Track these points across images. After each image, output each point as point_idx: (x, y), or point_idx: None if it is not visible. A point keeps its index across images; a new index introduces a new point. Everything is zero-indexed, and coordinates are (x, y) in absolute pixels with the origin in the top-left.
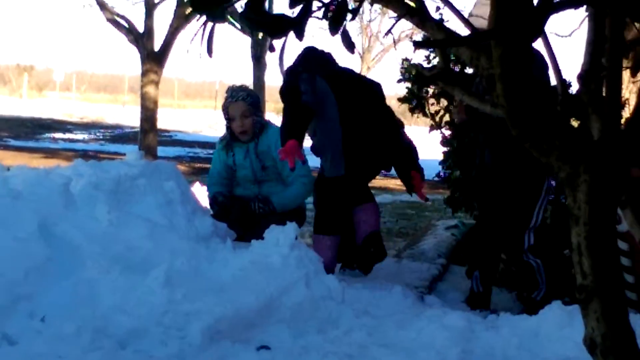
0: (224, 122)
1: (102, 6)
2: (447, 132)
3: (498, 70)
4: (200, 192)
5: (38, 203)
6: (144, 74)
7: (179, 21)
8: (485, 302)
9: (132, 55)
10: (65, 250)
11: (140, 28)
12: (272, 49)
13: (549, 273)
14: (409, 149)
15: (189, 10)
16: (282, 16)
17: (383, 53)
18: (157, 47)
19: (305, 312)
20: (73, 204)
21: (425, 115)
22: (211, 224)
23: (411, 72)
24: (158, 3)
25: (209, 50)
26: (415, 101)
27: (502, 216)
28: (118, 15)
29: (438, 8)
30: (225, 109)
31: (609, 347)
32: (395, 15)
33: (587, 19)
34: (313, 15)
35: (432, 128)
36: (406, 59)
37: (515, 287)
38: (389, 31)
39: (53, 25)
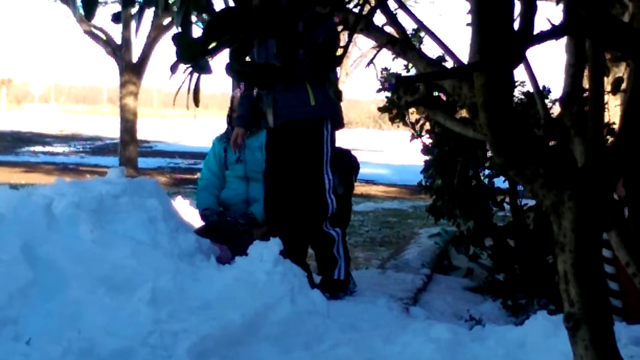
0: (227, 113)
1: (80, 18)
2: (428, 141)
3: (481, 99)
4: (183, 207)
5: (20, 225)
6: (122, 85)
7: (157, 32)
8: None
9: (110, 67)
10: (49, 272)
11: (118, 40)
12: (258, 97)
13: (345, 245)
14: None
15: (166, 20)
16: (268, 66)
17: (361, 59)
18: (135, 58)
19: (291, 328)
20: (56, 224)
21: (405, 124)
22: (195, 241)
23: (390, 81)
24: (135, 15)
25: (196, 100)
26: (395, 110)
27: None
28: (95, 27)
29: (416, 30)
30: (232, 99)
31: None
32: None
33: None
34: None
35: (412, 137)
36: (385, 69)
37: (500, 295)
38: (371, 62)
39: (30, 38)
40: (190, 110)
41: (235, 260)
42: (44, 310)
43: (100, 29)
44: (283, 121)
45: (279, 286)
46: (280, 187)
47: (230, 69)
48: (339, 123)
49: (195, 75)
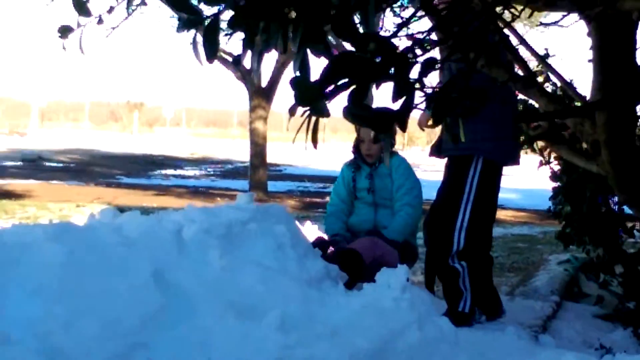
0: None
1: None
2: (557, 167)
3: (603, 136)
4: (312, 232)
5: (151, 250)
6: (252, 109)
7: (285, 57)
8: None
9: (240, 91)
10: (178, 297)
11: (247, 65)
12: (376, 140)
13: (473, 278)
14: None
15: None
16: (385, 110)
17: None
18: (264, 83)
19: (419, 356)
20: (185, 250)
21: (533, 151)
22: (323, 267)
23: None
24: (254, 57)
25: (314, 142)
26: (523, 138)
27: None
28: (225, 52)
29: (539, 64)
30: (358, 129)
31: None
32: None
33: None
34: (417, 106)
35: (541, 164)
36: None
37: (631, 323)
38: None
39: (162, 63)
40: (319, 133)
41: (363, 287)
42: (173, 336)
43: (230, 54)
44: (446, 154)
45: (406, 313)
46: (432, 213)
47: (348, 112)
48: (499, 160)
49: (314, 117)
